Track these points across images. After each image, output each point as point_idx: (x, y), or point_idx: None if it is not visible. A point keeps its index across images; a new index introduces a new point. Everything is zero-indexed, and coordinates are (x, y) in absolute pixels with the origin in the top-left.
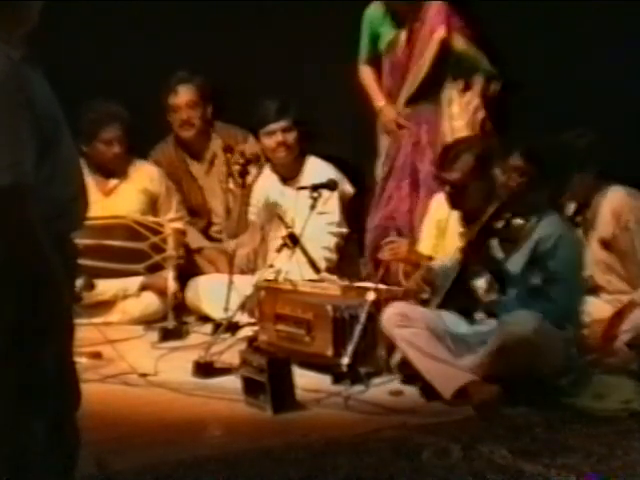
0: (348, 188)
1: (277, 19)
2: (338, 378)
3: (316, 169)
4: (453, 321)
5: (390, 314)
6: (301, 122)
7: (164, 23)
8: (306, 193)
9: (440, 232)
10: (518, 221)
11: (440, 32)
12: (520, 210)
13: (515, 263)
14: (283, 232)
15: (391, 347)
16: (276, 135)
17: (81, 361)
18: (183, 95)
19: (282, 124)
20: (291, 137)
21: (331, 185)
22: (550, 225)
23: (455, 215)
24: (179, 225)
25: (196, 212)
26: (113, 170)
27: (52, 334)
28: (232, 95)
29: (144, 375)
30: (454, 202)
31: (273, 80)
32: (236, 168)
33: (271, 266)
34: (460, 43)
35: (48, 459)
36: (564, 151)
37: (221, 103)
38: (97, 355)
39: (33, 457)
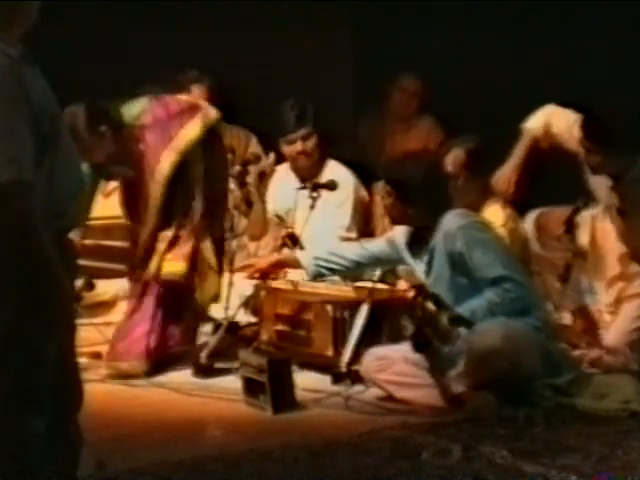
0: (364, 194)
1: (276, 19)
2: (338, 378)
3: (334, 173)
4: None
5: (367, 363)
6: (320, 127)
7: (164, 23)
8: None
9: None
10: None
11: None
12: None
13: (439, 280)
14: (283, 232)
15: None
16: (296, 144)
17: (81, 361)
18: (196, 94)
19: (301, 133)
20: (310, 144)
21: (330, 185)
22: (447, 223)
23: None
24: None
25: None
26: None
27: (53, 333)
28: (233, 95)
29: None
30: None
31: (274, 79)
32: (236, 169)
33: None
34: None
35: (50, 459)
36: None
37: (225, 106)
38: (97, 355)
39: (34, 456)
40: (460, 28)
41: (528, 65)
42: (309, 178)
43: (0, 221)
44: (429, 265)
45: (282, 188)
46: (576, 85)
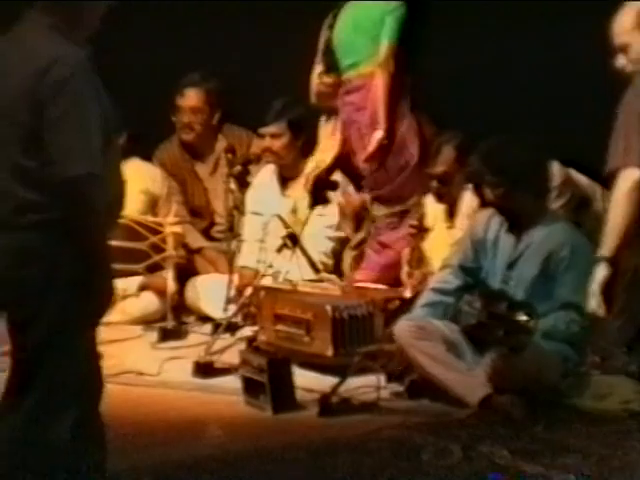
0: (352, 190)
1: (277, 19)
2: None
3: None
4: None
5: (405, 325)
6: (299, 126)
7: (167, 23)
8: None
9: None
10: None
11: None
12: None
13: (523, 282)
14: (283, 232)
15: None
16: (264, 139)
17: None
18: (189, 99)
19: (271, 129)
20: (277, 144)
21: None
22: (561, 233)
23: (439, 213)
24: (177, 229)
25: (198, 212)
26: None
27: (88, 328)
28: (235, 95)
29: (143, 374)
30: (441, 195)
31: (276, 79)
32: (237, 169)
33: (271, 266)
34: None
35: (79, 452)
36: (523, 154)
37: (230, 107)
38: None
39: (65, 451)
40: (460, 28)
41: (527, 64)
42: (290, 175)
43: (75, 211)
44: (511, 265)
45: (262, 190)
46: (575, 85)
